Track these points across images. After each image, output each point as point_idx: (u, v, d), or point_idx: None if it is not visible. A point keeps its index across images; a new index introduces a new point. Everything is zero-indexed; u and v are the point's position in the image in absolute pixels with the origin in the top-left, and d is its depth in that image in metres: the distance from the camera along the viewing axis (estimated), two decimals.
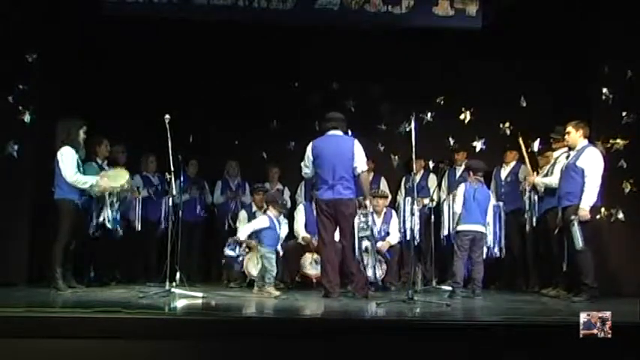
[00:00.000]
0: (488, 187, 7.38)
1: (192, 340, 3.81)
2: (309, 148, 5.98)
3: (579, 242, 5.60)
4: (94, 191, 6.05)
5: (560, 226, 6.04)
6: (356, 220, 5.81)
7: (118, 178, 6.23)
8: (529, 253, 6.93)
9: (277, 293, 5.91)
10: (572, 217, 5.69)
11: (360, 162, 5.87)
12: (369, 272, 6.14)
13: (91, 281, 6.43)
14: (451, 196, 6.76)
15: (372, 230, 5.95)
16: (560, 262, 6.23)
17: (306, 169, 6.05)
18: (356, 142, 5.92)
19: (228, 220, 7.67)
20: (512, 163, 7.29)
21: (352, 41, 7.58)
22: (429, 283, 7.17)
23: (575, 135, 6.01)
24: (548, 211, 6.36)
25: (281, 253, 6.66)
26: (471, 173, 6.43)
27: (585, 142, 6.01)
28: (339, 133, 6.00)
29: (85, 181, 5.96)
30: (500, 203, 7.11)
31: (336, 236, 6.00)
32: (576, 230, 5.63)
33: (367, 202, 5.94)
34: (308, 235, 7.07)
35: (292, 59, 7.85)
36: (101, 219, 6.16)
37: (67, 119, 6.07)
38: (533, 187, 6.64)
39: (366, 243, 5.90)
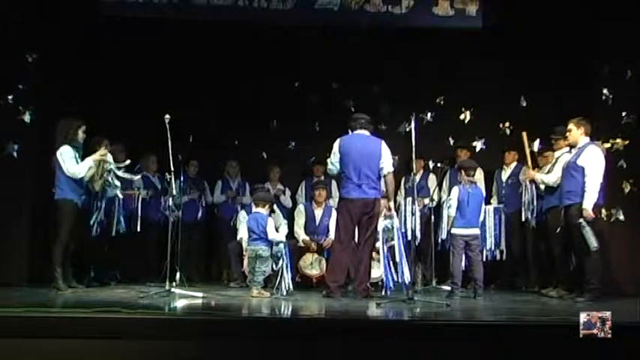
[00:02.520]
0: (489, 189, 7.39)
1: (192, 340, 3.81)
2: (336, 145, 5.90)
3: (593, 243, 5.52)
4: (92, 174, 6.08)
5: (562, 226, 6.00)
6: (380, 222, 5.78)
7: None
8: (529, 253, 6.91)
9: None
10: (580, 220, 5.62)
11: (387, 163, 5.87)
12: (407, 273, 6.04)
13: (91, 281, 6.43)
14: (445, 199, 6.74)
15: (393, 230, 5.96)
16: (561, 262, 6.23)
17: (332, 166, 5.94)
18: (383, 143, 5.92)
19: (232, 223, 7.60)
20: (513, 165, 7.25)
21: (352, 41, 7.58)
22: (429, 283, 7.17)
23: (577, 132, 5.94)
24: (549, 211, 6.34)
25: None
26: (463, 172, 6.37)
27: (587, 139, 5.93)
28: (366, 133, 5.98)
29: (85, 165, 5.99)
30: (501, 205, 7.12)
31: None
32: (587, 232, 5.55)
33: (391, 204, 5.96)
34: (307, 238, 7.10)
35: (292, 59, 7.85)
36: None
37: (67, 119, 6.08)
38: (533, 182, 6.59)
39: (391, 243, 5.94)
